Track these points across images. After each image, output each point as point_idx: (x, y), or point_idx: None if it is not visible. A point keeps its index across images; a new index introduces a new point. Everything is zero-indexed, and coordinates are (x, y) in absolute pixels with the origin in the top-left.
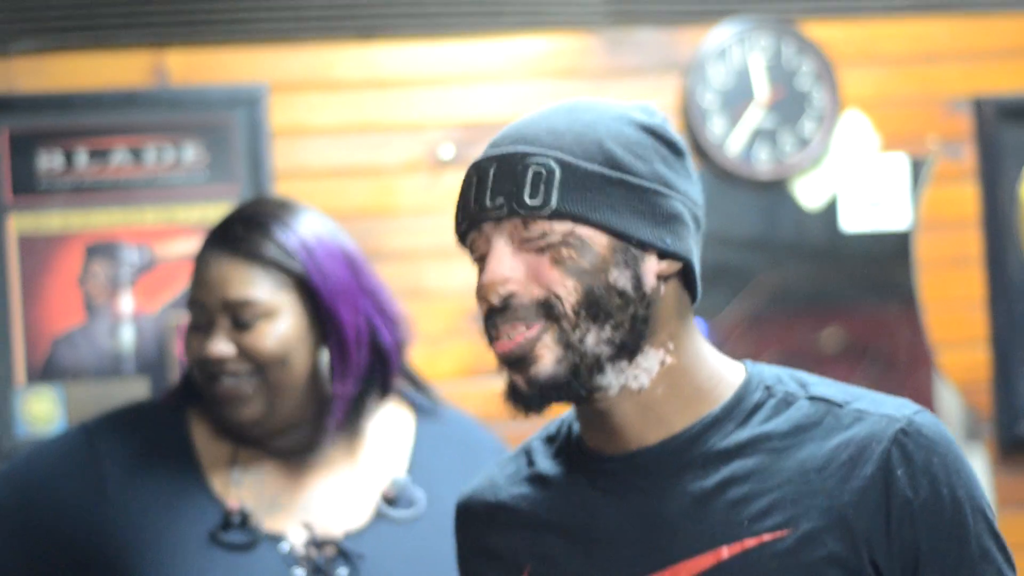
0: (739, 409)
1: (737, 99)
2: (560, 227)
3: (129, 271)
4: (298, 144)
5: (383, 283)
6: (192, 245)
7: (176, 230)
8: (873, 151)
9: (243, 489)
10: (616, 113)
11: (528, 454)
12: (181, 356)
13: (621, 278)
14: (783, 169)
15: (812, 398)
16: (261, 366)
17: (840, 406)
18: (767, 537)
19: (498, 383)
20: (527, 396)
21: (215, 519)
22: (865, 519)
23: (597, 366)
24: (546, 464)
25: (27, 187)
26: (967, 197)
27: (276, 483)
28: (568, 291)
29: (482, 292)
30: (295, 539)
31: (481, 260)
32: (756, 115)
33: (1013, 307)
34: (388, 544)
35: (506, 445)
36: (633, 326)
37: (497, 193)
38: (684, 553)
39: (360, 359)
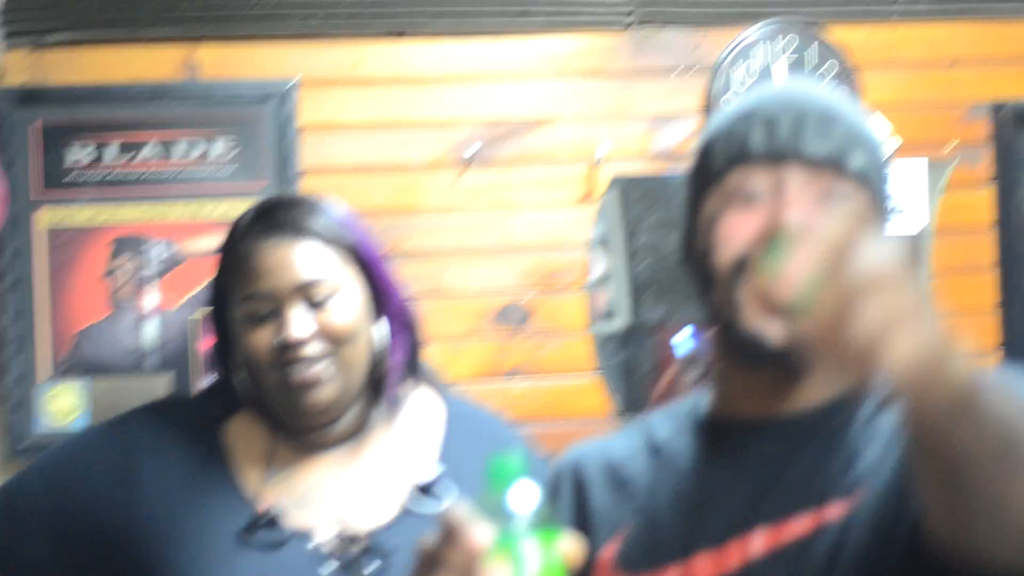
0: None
1: None
2: (863, 196)
3: (155, 266)
4: (326, 140)
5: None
6: (218, 240)
7: (202, 225)
8: (893, 155)
9: (273, 488)
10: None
11: (646, 428)
12: (205, 352)
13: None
14: None
15: None
16: (339, 344)
17: None
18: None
19: (516, 384)
20: (773, 349)
21: (244, 518)
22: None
23: None
24: (666, 436)
25: (57, 180)
26: (982, 203)
27: (305, 479)
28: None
29: (781, 223)
30: (323, 535)
31: (745, 196)
32: None
33: None
34: (416, 540)
35: (538, 445)
36: None
37: (819, 142)
38: (790, 509)
39: (409, 330)
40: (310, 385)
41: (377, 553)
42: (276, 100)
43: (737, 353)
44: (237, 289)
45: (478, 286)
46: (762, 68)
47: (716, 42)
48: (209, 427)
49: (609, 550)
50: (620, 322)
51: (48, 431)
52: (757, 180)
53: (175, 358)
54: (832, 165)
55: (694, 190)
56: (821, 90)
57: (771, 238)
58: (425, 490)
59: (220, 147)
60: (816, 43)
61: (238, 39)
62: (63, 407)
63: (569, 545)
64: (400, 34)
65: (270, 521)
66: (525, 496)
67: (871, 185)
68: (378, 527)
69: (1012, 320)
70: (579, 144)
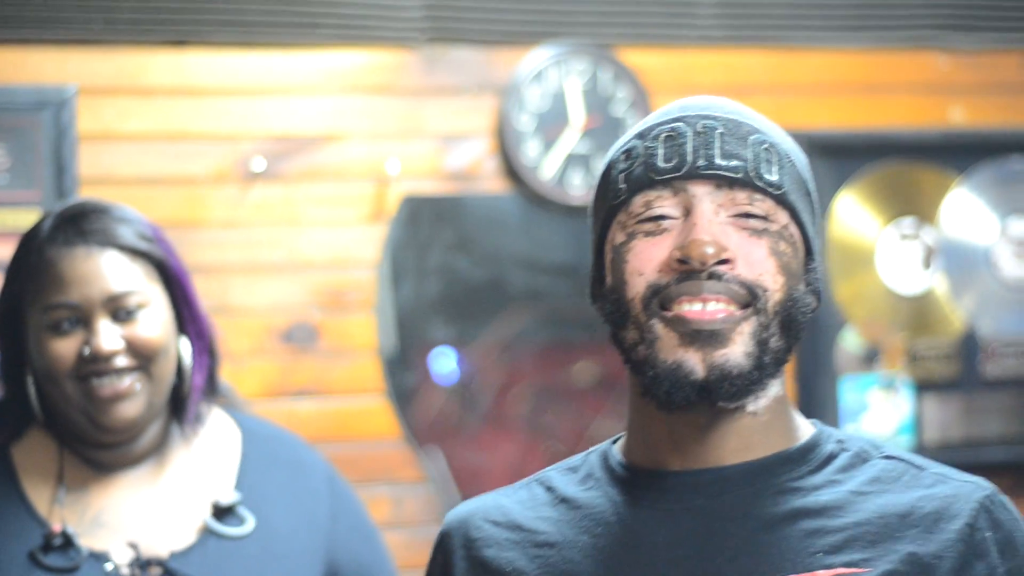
0: (814, 454)
1: (552, 123)
2: (783, 216)
3: None
4: (105, 150)
5: None
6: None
7: None
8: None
9: (66, 508)
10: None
11: (543, 483)
12: None
13: (806, 292)
14: None
15: (888, 456)
16: (147, 359)
17: (920, 468)
18: (843, 571)
19: (302, 405)
20: (694, 382)
21: (36, 540)
22: (948, 572)
23: (764, 378)
24: (571, 489)
25: None
26: None
27: (100, 500)
28: (777, 287)
29: (691, 249)
30: (119, 559)
31: (654, 221)
32: (571, 140)
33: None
34: (216, 564)
35: (334, 466)
36: (791, 347)
37: (731, 156)
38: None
39: (209, 348)
40: (118, 399)
41: None
42: (53, 107)
43: (658, 393)
44: (37, 298)
45: (264, 303)
46: (555, 90)
47: (508, 62)
48: None
49: None
50: (399, 344)
51: None
52: (665, 202)
53: None
54: (745, 181)
55: (598, 219)
56: (727, 103)
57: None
58: (223, 513)
59: None
60: (610, 66)
61: (13, 42)
62: None
63: None
64: (182, 43)
65: (64, 543)
66: None
67: (789, 200)
68: (176, 551)
69: None
70: (368, 161)
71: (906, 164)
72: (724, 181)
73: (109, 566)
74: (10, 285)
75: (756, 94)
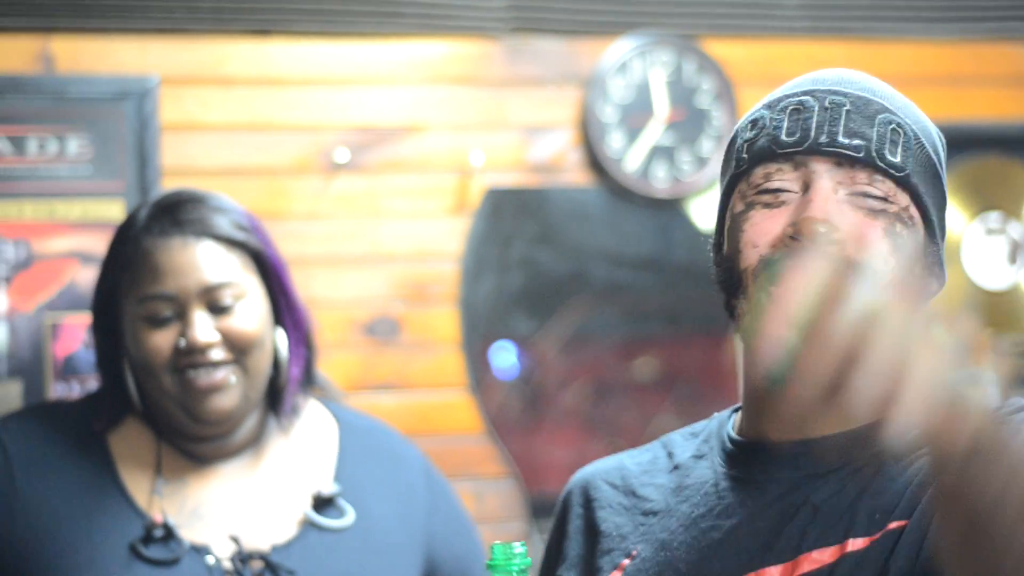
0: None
1: (636, 114)
2: (903, 198)
3: (5, 267)
4: (188, 140)
5: None
6: (73, 242)
7: (56, 226)
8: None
9: (165, 500)
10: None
11: (666, 446)
12: (59, 357)
13: (924, 277)
14: (680, 188)
15: None
16: (243, 351)
17: None
18: (893, 525)
19: (384, 399)
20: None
21: (136, 531)
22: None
23: None
24: (686, 456)
25: None
26: None
27: (199, 492)
28: (888, 269)
29: (803, 226)
30: (220, 552)
31: (773, 193)
32: (655, 132)
33: None
34: (317, 558)
35: (428, 459)
36: None
37: (854, 134)
38: (812, 545)
39: (306, 340)
40: (213, 390)
41: (276, 572)
42: (136, 98)
43: (759, 366)
44: (133, 288)
45: (346, 296)
46: (639, 81)
47: (592, 52)
48: (94, 434)
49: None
50: (481, 338)
51: None
52: (784, 176)
53: (26, 364)
54: (867, 160)
55: (722, 185)
56: (862, 79)
57: (791, 242)
58: (324, 505)
59: (75, 145)
60: (694, 57)
61: (96, 32)
62: None
63: None
64: (265, 32)
65: (165, 534)
66: None
67: (911, 183)
68: (277, 544)
69: None
70: (451, 153)
71: (992, 158)
72: (845, 159)
73: (210, 559)
74: (106, 275)
75: None
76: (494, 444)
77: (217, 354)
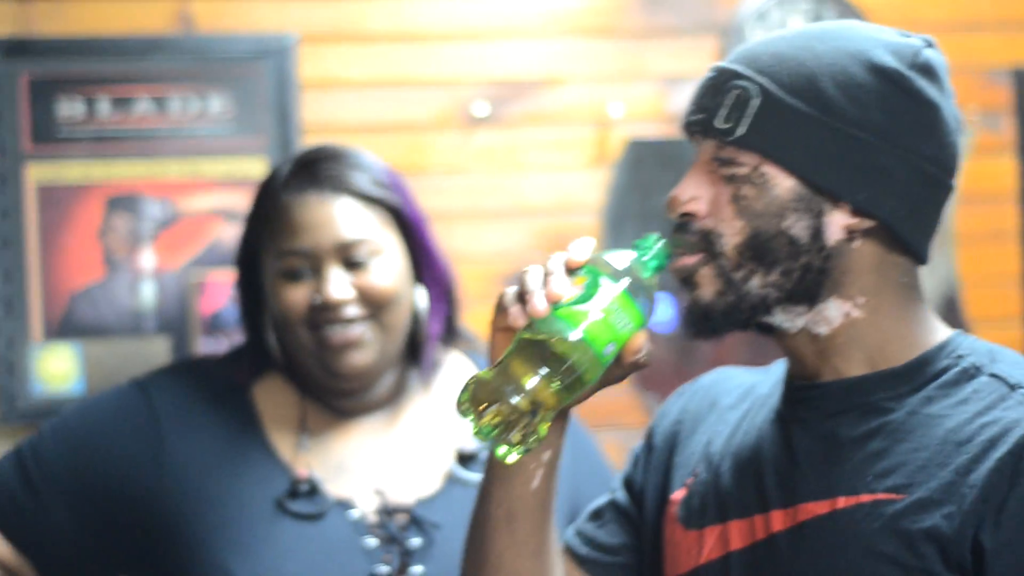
0: (920, 372)
1: None
2: (748, 159)
3: (150, 225)
4: (327, 97)
5: None
6: (216, 200)
7: (200, 184)
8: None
9: (310, 454)
10: (858, 48)
11: (769, 370)
12: (205, 313)
13: (797, 225)
14: None
15: (992, 375)
16: (379, 308)
17: (1012, 388)
18: (882, 496)
19: None
20: (687, 319)
21: (282, 486)
22: (980, 502)
23: (763, 307)
24: (764, 385)
25: (47, 135)
26: (1005, 170)
27: (341, 446)
28: (734, 231)
29: (667, 203)
30: (365, 506)
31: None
32: None
33: None
34: (461, 511)
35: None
36: (804, 275)
37: (700, 109)
38: (808, 495)
39: (448, 296)
40: (348, 347)
41: (421, 526)
42: (275, 56)
43: None
44: (273, 244)
45: (488, 249)
46: (779, 29)
47: (729, 1)
48: (238, 389)
49: (678, 495)
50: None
51: (41, 396)
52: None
53: (173, 321)
54: (705, 132)
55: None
56: (768, 42)
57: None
58: (468, 459)
59: (216, 103)
60: (834, 4)
61: None
62: (57, 371)
63: (639, 335)
64: None
65: (310, 489)
66: (632, 259)
67: (752, 142)
68: (421, 498)
69: None
70: (590, 105)
71: None
72: (698, 134)
73: (356, 513)
74: (249, 231)
75: (982, 30)
76: (640, 395)
77: (352, 310)
